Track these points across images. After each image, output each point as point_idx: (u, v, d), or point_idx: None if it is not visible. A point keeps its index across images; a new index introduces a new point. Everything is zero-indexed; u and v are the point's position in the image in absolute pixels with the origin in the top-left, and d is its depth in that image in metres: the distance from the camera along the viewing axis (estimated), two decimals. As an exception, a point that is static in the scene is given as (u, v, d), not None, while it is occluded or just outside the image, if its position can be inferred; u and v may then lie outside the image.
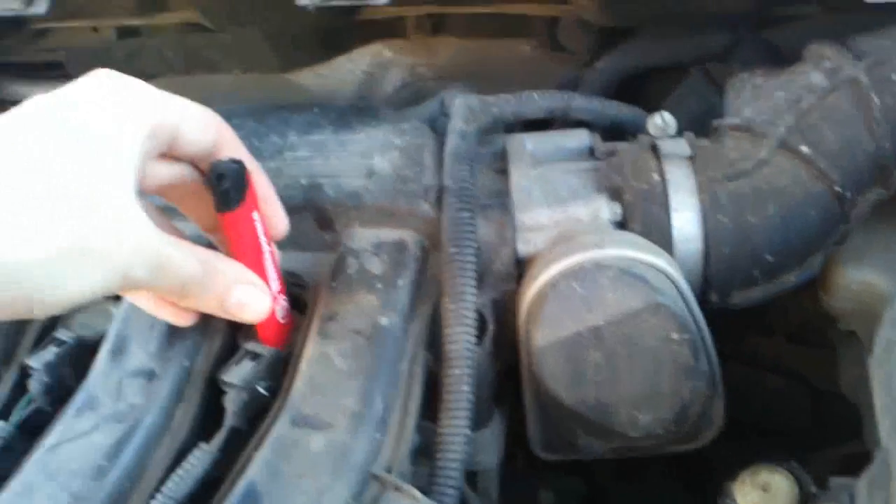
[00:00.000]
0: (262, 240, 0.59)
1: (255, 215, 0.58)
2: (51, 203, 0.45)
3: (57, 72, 1.05)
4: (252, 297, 0.58)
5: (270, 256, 0.60)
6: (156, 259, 0.51)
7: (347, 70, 1.01)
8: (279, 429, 0.56)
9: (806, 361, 0.97)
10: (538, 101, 0.71)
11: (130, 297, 0.62)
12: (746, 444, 0.96)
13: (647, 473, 0.92)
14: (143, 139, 0.51)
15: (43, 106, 0.49)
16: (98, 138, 0.48)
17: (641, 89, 0.87)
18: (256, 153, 0.68)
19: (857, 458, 0.67)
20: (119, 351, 0.62)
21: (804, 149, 0.64)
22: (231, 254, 0.59)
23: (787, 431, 1.00)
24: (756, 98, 0.68)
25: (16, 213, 0.44)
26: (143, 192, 0.55)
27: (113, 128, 0.49)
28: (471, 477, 0.68)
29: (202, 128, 0.55)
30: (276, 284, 0.61)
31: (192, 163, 0.57)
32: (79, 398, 0.60)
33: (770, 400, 1.00)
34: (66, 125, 0.48)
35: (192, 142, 0.55)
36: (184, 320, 0.61)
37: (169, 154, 0.55)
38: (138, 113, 0.51)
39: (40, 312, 0.47)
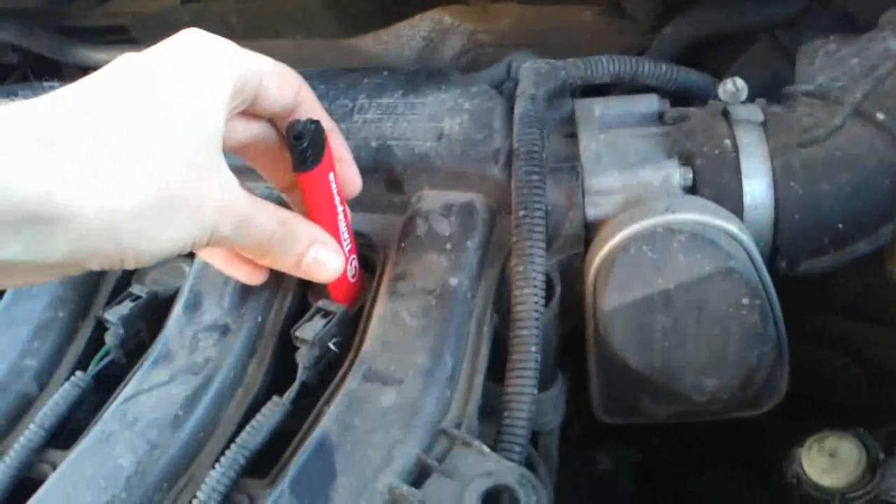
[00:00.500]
0: (337, 200, 0.60)
1: (331, 176, 0.59)
2: (144, 155, 0.47)
3: (122, 36, 1.06)
4: (327, 257, 0.59)
5: (343, 216, 0.61)
6: (241, 217, 0.52)
7: (408, 36, 1.01)
8: (351, 384, 0.57)
9: (865, 338, 0.96)
10: (606, 66, 0.70)
11: (204, 256, 0.64)
12: (802, 420, 0.96)
13: (700, 445, 0.92)
14: (229, 97, 0.52)
15: (135, 63, 0.50)
16: (186, 95, 0.50)
17: (706, 57, 0.86)
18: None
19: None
20: (194, 306, 0.64)
21: (880, 116, 0.63)
22: (306, 213, 0.60)
23: (843, 408, 0.99)
24: (830, 64, 0.67)
25: (112, 162, 0.45)
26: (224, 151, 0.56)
27: (200, 85, 0.50)
28: (533, 437, 0.68)
29: (283, 86, 0.56)
30: (347, 244, 0.62)
31: (272, 121, 0.58)
32: (155, 350, 0.62)
33: (827, 377, 0.99)
34: (156, 82, 0.49)
35: (273, 100, 0.56)
36: (254, 279, 0.62)
37: (249, 111, 0.56)
38: (224, 71, 0.52)
39: (132, 263, 0.49)
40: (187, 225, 0.49)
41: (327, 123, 0.59)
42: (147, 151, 0.47)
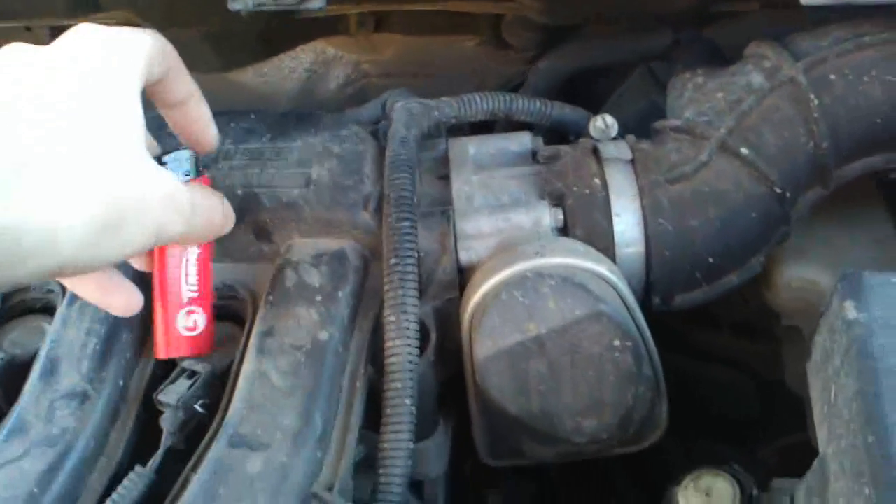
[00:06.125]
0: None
1: None
2: (76, 167, 0.44)
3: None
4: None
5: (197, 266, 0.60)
6: (188, 205, 0.51)
7: (290, 68, 0.99)
8: (216, 450, 0.55)
9: (752, 354, 0.97)
10: (480, 104, 0.69)
11: (75, 288, 0.58)
12: (698, 441, 0.97)
13: (599, 474, 0.93)
14: (140, 89, 0.50)
15: (38, 69, 0.47)
16: (104, 98, 0.47)
17: (588, 87, 0.87)
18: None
19: (805, 447, 0.68)
20: (50, 372, 0.60)
21: (744, 151, 0.64)
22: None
23: (735, 423, 1.01)
24: (697, 99, 0.68)
25: (42, 177, 0.43)
26: None
27: (115, 85, 0.48)
28: (417, 486, 0.67)
29: (161, 58, 0.53)
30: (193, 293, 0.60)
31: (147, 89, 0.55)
32: (8, 423, 0.58)
33: (718, 392, 1.01)
34: (69, 90, 0.46)
35: (156, 73, 0.53)
36: (131, 307, 0.58)
37: None
38: (132, 64, 0.50)
39: (72, 274, 0.48)
40: (133, 232, 0.47)
41: (190, 86, 0.57)
42: (76, 165, 0.44)
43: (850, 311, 0.48)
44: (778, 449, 0.97)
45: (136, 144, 0.48)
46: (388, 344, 0.58)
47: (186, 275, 0.59)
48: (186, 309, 0.59)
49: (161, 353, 0.60)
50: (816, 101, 0.64)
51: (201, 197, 0.55)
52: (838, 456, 0.46)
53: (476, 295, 0.60)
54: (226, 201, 0.59)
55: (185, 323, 0.60)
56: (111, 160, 0.46)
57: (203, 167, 0.59)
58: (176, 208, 0.51)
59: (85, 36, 0.50)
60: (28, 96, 0.45)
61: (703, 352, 1.00)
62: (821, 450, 0.50)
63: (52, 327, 0.63)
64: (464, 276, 0.64)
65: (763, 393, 1.01)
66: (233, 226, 0.59)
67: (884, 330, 0.46)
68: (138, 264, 0.60)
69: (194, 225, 0.53)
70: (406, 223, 0.61)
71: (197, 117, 0.59)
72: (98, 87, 0.48)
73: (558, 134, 0.74)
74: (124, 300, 0.57)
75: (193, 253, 0.59)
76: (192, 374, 0.59)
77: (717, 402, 1.01)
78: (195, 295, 0.59)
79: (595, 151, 0.66)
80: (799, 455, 0.68)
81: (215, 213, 0.57)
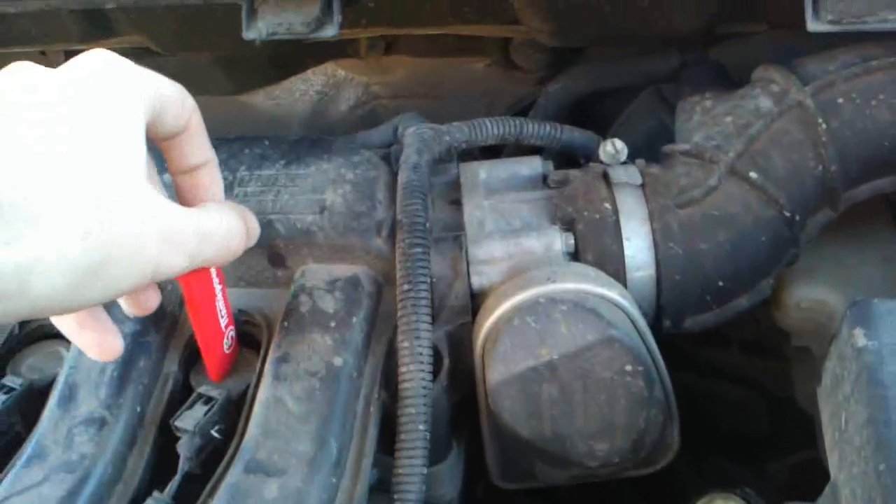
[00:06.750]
0: (213, 276, 0.58)
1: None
2: (58, 198, 0.41)
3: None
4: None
5: (219, 282, 0.59)
6: (193, 240, 0.48)
7: (301, 91, 1.01)
8: (232, 476, 0.55)
9: (762, 371, 0.98)
10: (490, 129, 0.70)
11: (55, 321, 0.55)
12: (709, 458, 0.97)
13: (609, 493, 0.93)
14: (144, 125, 0.47)
15: (43, 93, 0.44)
16: (104, 131, 0.44)
17: (596, 107, 0.88)
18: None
19: (814, 464, 0.68)
20: (68, 398, 0.61)
21: (753, 175, 0.64)
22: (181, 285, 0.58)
23: (746, 440, 1.01)
24: (705, 122, 0.69)
25: (16, 209, 0.39)
26: None
27: (117, 118, 0.46)
28: (431, 509, 0.68)
29: (180, 112, 0.51)
30: (224, 316, 0.61)
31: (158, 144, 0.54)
32: (28, 448, 0.59)
33: (728, 409, 1.01)
34: (69, 116, 0.44)
35: (168, 126, 0.51)
36: (105, 352, 0.55)
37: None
38: (137, 100, 0.47)
39: (48, 315, 0.47)
40: (122, 273, 0.44)
41: (207, 153, 0.55)
42: (65, 194, 0.41)
43: (860, 338, 0.48)
44: (788, 465, 0.98)
45: (134, 172, 0.45)
46: (402, 369, 0.59)
47: (219, 301, 0.60)
48: (227, 332, 0.61)
49: (217, 377, 0.62)
50: (824, 125, 0.65)
51: (215, 222, 0.51)
52: (850, 482, 0.47)
53: (488, 320, 0.60)
54: (249, 214, 0.56)
55: (227, 343, 0.62)
56: (102, 191, 0.43)
57: None
58: (178, 244, 0.47)
59: (93, 59, 0.48)
60: (8, 117, 0.42)
61: (713, 369, 1.00)
62: (832, 475, 0.50)
63: (70, 353, 0.63)
64: (476, 300, 0.64)
65: (773, 410, 1.01)
66: (257, 239, 0.57)
67: (894, 357, 0.47)
68: (126, 304, 0.58)
69: (202, 257, 0.50)
70: (419, 249, 0.61)
71: (208, 185, 0.56)
72: (96, 110, 0.45)
73: (567, 157, 0.75)
74: (104, 343, 0.54)
75: (217, 283, 0.59)
76: (209, 399, 0.60)
77: (728, 419, 1.02)
78: (226, 320, 0.61)
79: (605, 176, 0.66)
80: (809, 472, 0.69)
81: (233, 236, 0.53)
